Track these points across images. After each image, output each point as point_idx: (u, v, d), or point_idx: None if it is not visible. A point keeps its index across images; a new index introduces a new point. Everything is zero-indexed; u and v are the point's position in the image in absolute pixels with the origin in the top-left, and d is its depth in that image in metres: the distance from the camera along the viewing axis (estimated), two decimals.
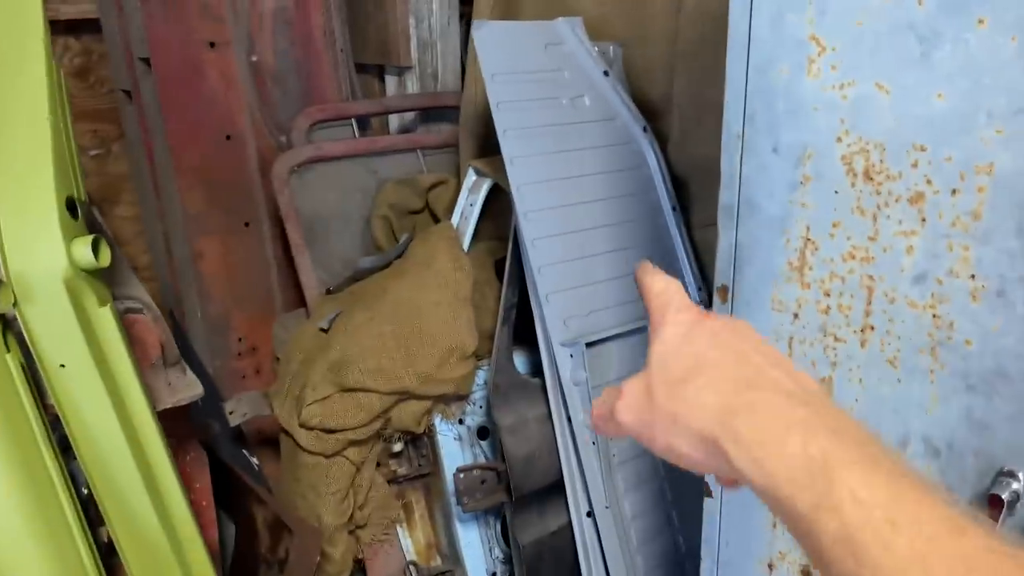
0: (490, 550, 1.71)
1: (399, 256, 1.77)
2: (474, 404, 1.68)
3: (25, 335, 0.80)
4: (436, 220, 1.95)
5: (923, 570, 0.37)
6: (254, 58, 1.95)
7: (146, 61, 1.84)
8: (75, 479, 0.89)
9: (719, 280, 1.04)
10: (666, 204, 1.67)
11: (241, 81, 1.91)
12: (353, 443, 1.57)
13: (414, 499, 1.75)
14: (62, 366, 0.81)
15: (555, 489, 1.56)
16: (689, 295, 0.57)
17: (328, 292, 1.84)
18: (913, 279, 0.85)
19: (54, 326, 0.80)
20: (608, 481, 1.51)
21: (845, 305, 0.91)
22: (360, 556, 1.67)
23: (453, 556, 1.71)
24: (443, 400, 1.64)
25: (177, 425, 1.09)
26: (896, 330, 0.87)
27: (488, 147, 1.84)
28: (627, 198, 1.62)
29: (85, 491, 0.90)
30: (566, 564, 1.58)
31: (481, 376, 1.67)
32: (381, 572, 1.70)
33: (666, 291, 0.57)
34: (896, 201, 0.84)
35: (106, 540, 0.93)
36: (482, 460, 1.67)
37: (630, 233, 1.61)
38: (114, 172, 2.33)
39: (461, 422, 1.67)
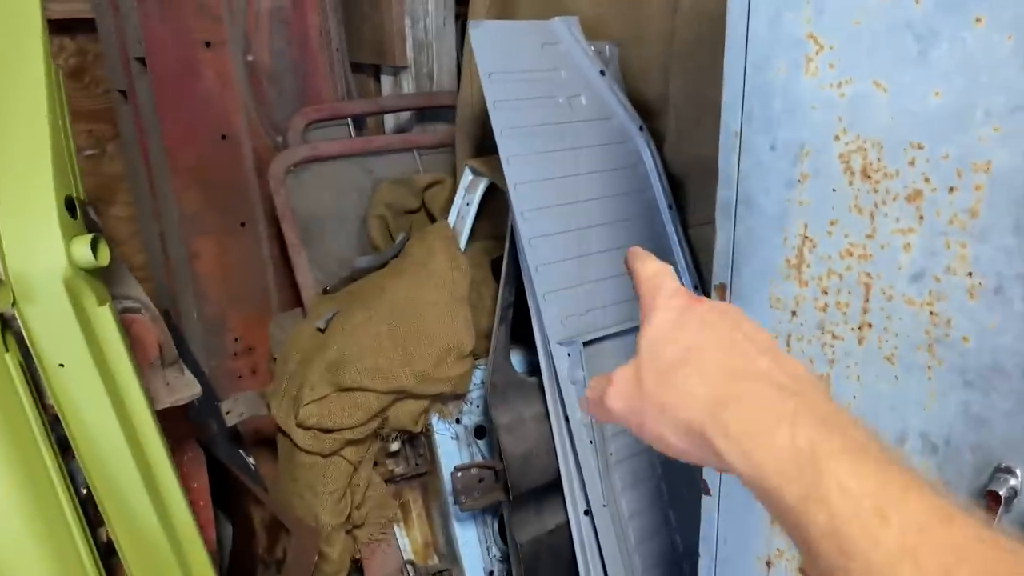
0: (487, 549, 1.72)
1: (396, 256, 1.77)
2: (471, 403, 1.68)
3: (24, 334, 0.80)
4: (432, 220, 1.95)
5: (913, 562, 0.37)
6: (250, 58, 1.95)
7: (142, 61, 1.84)
8: (74, 479, 0.89)
9: (717, 278, 1.04)
10: (662, 203, 1.67)
11: (237, 81, 1.91)
12: (350, 442, 1.57)
13: (411, 498, 1.75)
14: (61, 365, 0.81)
15: (552, 488, 1.57)
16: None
17: (325, 292, 1.84)
18: (911, 276, 0.85)
19: (53, 325, 0.80)
20: (606, 480, 1.51)
21: (843, 302, 0.92)
22: (357, 556, 1.67)
23: (450, 555, 1.71)
24: (440, 399, 1.64)
25: (175, 425, 1.09)
26: (894, 327, 0.88)
27: (484, 147, 1.85)
28: (623, 197, 1.63)
29: (84, 491, 0.90)
30: (564, 563, 1.58)
31: (478, 375, 1.67)
32: (378, 572, 1.70)
33: (657, 275, 0.57)
34: (894, 199, 0.84)
35: (105, 540, 0.93)
36: (479, 459, 1.68)
37: (626, 232, 1.62)
38: (109, 172, 2.33)
39: (458, 421, 1.68)
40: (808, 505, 0.40)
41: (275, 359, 1.83)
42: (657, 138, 1.69)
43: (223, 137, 1.92)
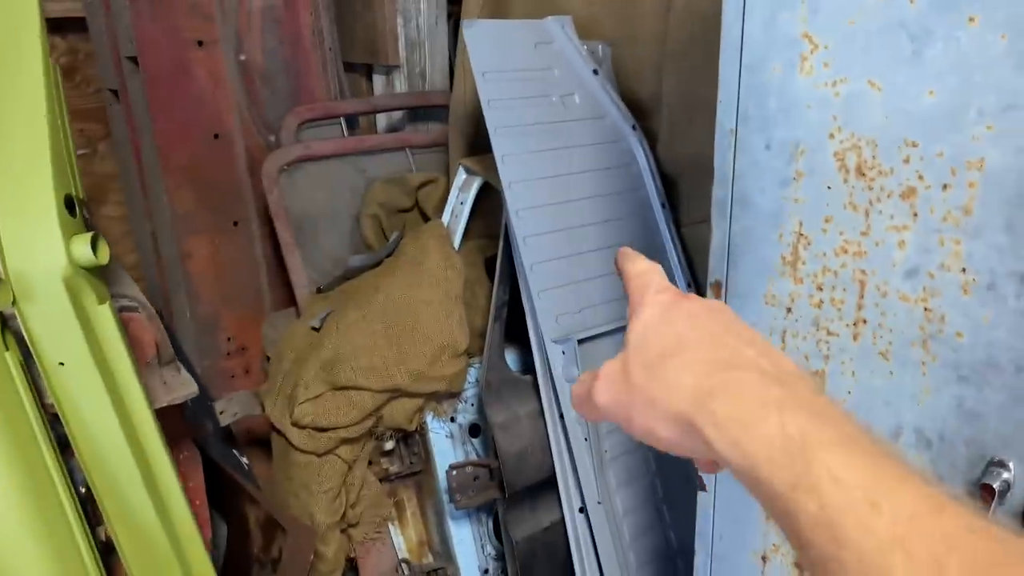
0: (482, 547, 1.72)
1: (389, 255, 1.77)
2: (466, 402, 1.69)
3: (24, 333, 0.80)
4: (426, 219, 1.95)
5: (904, 551, 0.37)
6: (242, 57, 1.95)
7: (133, 60, 1.84)
8: (73, 478, 0.89)
9: (712, 275, 1.05)
10: (655, 201, 1.68)
11: (229, 80, 1.91)
12: (345, 441, 1.57)
13: (406, 497, 1.75)
14: (61, 364, 0.81)
15: (547, 485, 1.57)
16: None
17: (319, 291, 1.84)
18: (905, 273, 0.86)
19: (53, 324, 0.80)
20: (600, 477, 1.52)
21: (838, 299, 0.93)
22: (352, 554, 1.67)
23: (445, 553, 1.72)
24: (435, 398, 1.64)
25: (171, 424, 1.09)
26: (888, 323, 0.89)
27: (478, 146, 1.85)
28: (617, 195, 1.63)
29: (83, 490, 0.90)
30: (559, 560, 1.59)
31: (473, 374, 1.67)
32: (373, 570, 1.70)
33: (645, 273, 0.57)
34: (888, 196, 0.85)
35: (104, 539, 0.93)
36: (474, 457, 1.68)
37: (620, 230, 1.62)
38: (100, 172, 2.32)
39: (453, 420, 1.68)
40: (798, 494, 0.40)
41: (268, 358, 1.83)
42: (650, 137, 1.70)
43: (216, 136, 1.91)
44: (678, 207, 1.71)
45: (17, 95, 0.79)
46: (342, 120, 2.06)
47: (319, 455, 1.57)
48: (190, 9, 1.83)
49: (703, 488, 1.14)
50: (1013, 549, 0.36)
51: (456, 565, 1.69)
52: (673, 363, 0.49)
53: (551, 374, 1.49)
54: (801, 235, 0.94)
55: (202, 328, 1.96)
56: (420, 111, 2.18)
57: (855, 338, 0.92)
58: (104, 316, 0.86)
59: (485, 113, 1.47)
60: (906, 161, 0.83)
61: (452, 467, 1.56)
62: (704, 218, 1.63)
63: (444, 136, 2.02)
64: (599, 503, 1.51)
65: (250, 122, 1.97)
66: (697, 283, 1.70)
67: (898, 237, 0.86)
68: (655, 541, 1.61)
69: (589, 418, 0.57)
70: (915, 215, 0.84)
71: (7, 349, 0.80)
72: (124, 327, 0.95)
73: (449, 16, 2.12)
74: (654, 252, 1.65)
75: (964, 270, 0.81)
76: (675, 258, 1.68)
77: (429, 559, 1.75)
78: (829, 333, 0.95)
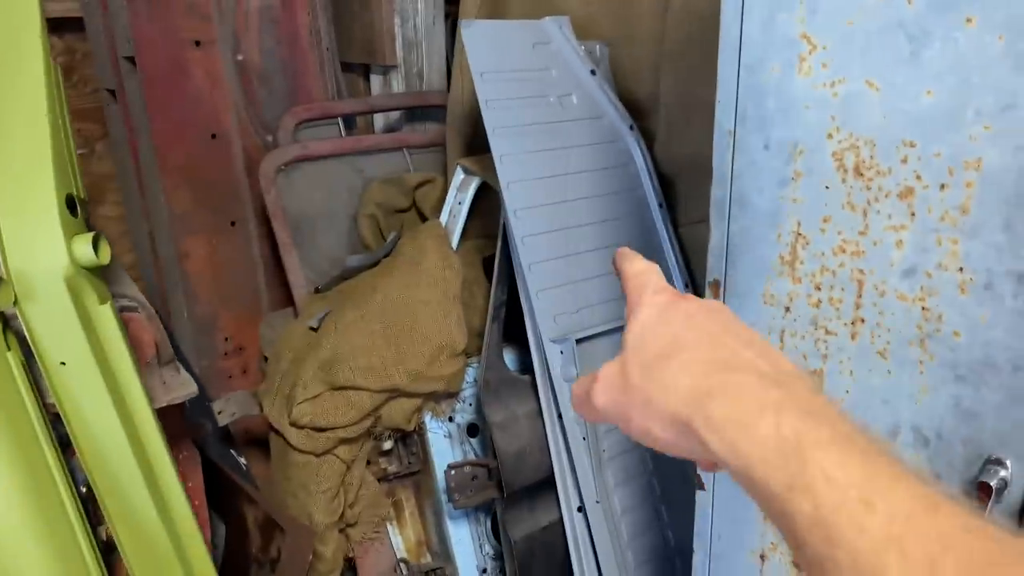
0: (481, 547, 1.72)
1: (387, 255, 1.77)
2: (464, 402, 1.69)
3: (26, 333, 0.80)
4: (423, 219, 1.96)
5: (899, 551, 0.37)
6: (240, 57, 1.95)
7: (131, 60, 1.84)
8: (74, 477, 0.89)
9: (711, 275, 1.05)
10: (653, 201, 1.68)
11: (227, 80, 1.91)
12: (344, 441, 1.58)
13: (404, 497, 1.75)
14: (63, 364, 0.81)
15: (546, 485, 1.58)
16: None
17: (316, 291, 1.84)
18: (903, 272, 0.86)
19: (55, 324, 0.80)
20: (598, 476, 1.52)
21: (836, 298, 0.93)
22: (351, 554, 1.68)
23: (444, 553, 1.72)
24: (433, 398, 1.65)
25: (170, 424, 1.09)
26: (886, 322, 0.89)
27: (475, 146, 1.85)
28: (614, 195, 1.64)
29: (84, 489, 0.90)
30: (557, 559, 1.59)
31: (471, 374, 1.68)
32: (372, 570, 1.70)
33: (643, 273, 0.57)
34: (886, 196, 0.86)
35: (105, 538, 0.93)
36: (472, 457, 1.68)
37: (617, 230, 1.63)
38: (98, 172, 2.32)
39: (451, 419, 1.68)
40: (793, 494, 0.40)
41: (266, 358, 1.83)
42: (647, 137, 1.70)
43: (213, 136, 1.92)
44: (675, 207, 1.71)
45: (18, 95, 0.79)
46: (339, 120, 2.06)
47: (317, 455, 1.57)
48: (187, 9, 1.83)
49: (701, 487, 1.14)
50: (1008, 548, 0.36)
51: (454, 565, 1.70)
52: (670, 364, 0.49)
53: (549, 374, 1.49)
54: (799, 235, 0.95)
55: (200, 328, 1.96)
56: (417, 111, 2.18)
57: (853, 337, 0.93)
58: (105, 316, 0.86)
59: (483, 113, 1.47)
60: (904, 161, 0.83)
61: (450, 467, 1.56)
62: (701, 218, 1.64)
63: (441, 136, 2.02)
64: (597, 502, 1.52)
65: (247, 122, 1.97)
66: (695, 283, 1.70)
67: (896, 237, 0.86)
68: (653, 540, 1.61)
69: (589, 419, 0.57)
70: (913, 215, 0.84)
71: (9, 349, 0.80)
72: (124, 327, 0.95)
73: (446, 16, 2.12)
74: (652, 252, 1.65)
75: (961, 269, 0.81)
76: (673, 258, 1.68)
77: (427, 559, 1.76)
78: (827, 332, 0.95)
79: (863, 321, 0.91)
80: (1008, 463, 0.82)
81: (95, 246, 0.81)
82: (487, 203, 1.73)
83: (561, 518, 1.56)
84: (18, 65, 0.80)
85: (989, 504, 0.81)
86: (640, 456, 1.59)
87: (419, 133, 2.13)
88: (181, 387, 1.10)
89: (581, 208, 1.58)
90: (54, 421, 0.86)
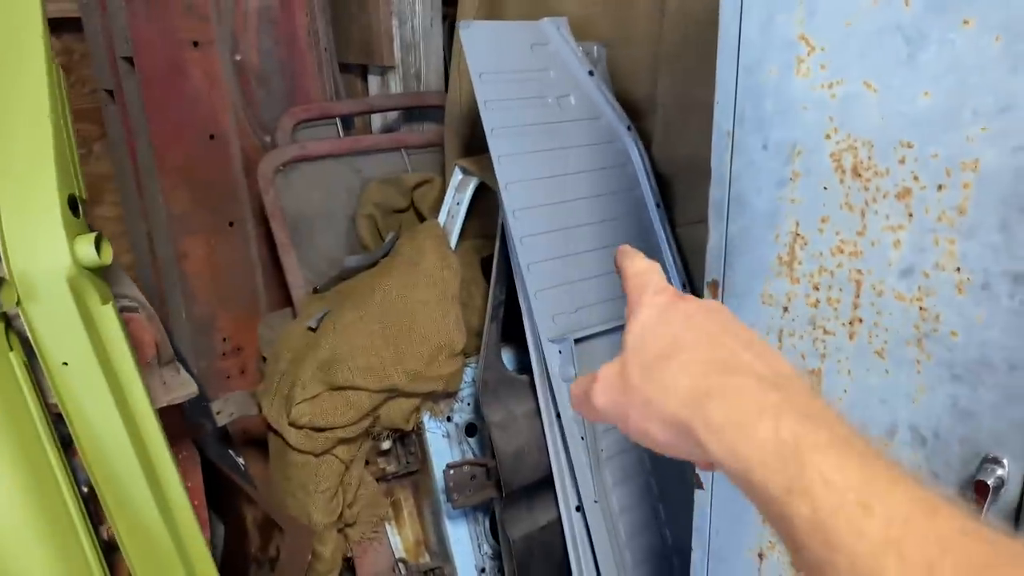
0: (479, 546, 1.73)
1: (385, 255, 1.78)
2: (462, 401, 1.69)
3: (28, 333, 0.80)
4: (421, 219, 1.96)
5: (897, 554, 0.37)
6: (238, 57, 1.95)
7: (129, 60, 1.84)
8: (75, 477, 0.89)
9: (709, 275, 1.06)
10: (650, 202, 1.69)
11: (225, 80, 1.91)
12: (342, 441, 1.58)
13: (402, 497, 1.76)
14: (65, 364, 0.82)
15: (544, 484, 1.58)
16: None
17: (315, 291, 1.84)
18: (900, 273, 0.87)
19: (57, 324, 0.80)
20: (597, 476, 1.52)
21: (834, 298, 0.94)
22: (349, 554, 1.68)
23: (442, 553, 1.72)
24: (432, 398, 1.65)
25: (170, 424, 1.09)
26: (884, 322, 0.90)
27: (473, 146, 1.86)
28: (612, 196, 1.64)
29: (85, 489, 0.90)
30: (555, 559, 1.60)
31: (469, 373, 1.68)
32: (370, 570, 1.70)
33: (644, 272, 0.57)
34: (884, 197, 0.86)
35: (106, 538, 0.93)
36: (470, 457, 1.69)
37: (615, 230, 1.63)
38: (96, 172, 2.32)
39: (449, 419, 1.69)
40: (792, 497, 0.40)
41: (264, 359, 1.83)
42: (645, 138, 1.71)
43: (211, 137, 1.92)
44: (673, 207, 1.72)
45: (20, 95, 0.80)
46: (338, 121, 2.06)
47: (316, 455, 1.57)
48: (186, 9, 1.83)
49: (700, 486, 1.15)
50: (1006, 551, 0.36)
51: (453, 564, 1.70)
52: (670, 364, 0.49)
53: (548, 373, 1.50)
54: (798, 235, 0.95)
55: (198, 328, 1.97)
56: (415, 112, 2.18)
57: (851, 337, 0.93)
58: (107, 316, 0.86)
59: (482, 114, 1.48)
60: (902, 162, 0.84)
61: (449, 466, 1.57)
62: (699, 218, 1.64)
63: (439, 137, 2.02)
64: (595, 502, 1.52)
65: (245, 122, 1.97)
66: (692, 283, 1.71)
67: (893, 237, 0.87)
68: (651, 539, 1.62)
69: (588, 419, 0.57)
70: (910, 215, 0.85)
71: (11, 349, 0.81)
72: (125, 327, 0.95)
73: (444, 18, 2.13)
74: (649, 252, 1.63)
75: (959, 269, 0.82)
76: (670, 258, 1.69)
77: (426, 558, 1.76)
78: (825, 332, 0.96)
79: (861, 321, 0.92)
80: (1005, 462, 0.83)
81: (97, 246, 0.81)
82: (485, 203, 1.73)
83: (559, 517, 1.56)
84: (20, 65, 0.80)
85: (986, 502, 0.82)
86: (638, 456, 1.60)
87: (417, 134, 2.13)
88: (181, 387, 1.10)
89: (579, 208, 1.58)
90: (56, 421, 0.86)
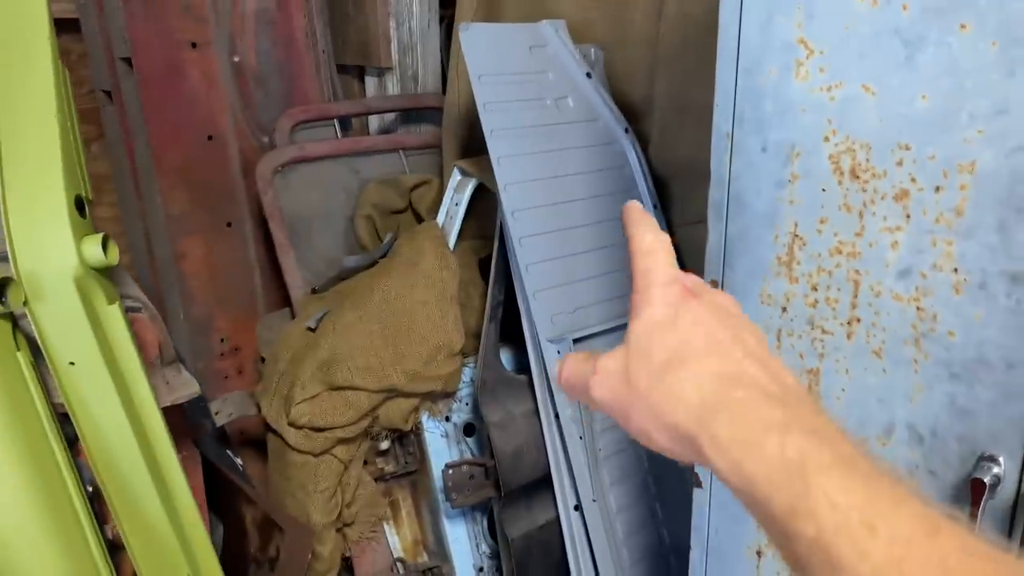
0: (477, 545, 1.73)
1: (384, 255, 1.78)
2: (460, 401, 1.70)
3: (35, 333, 0.81)
4: (419, 220, 1.96)
5: (899, 574, 0.37)
6: (236, 59, 1.95)
7: (127, 61, 1.84)
8: (80, 476, 0.90)
9: (709, 275, 1.07)
10: (647, 203, 1.70)
11: (223, 81, 1.92)
12: (341, 441, 1.58)
13: (401, 496, 1.76)
14: (71, 364, 0.82)
15: (543, 484, 1.59)
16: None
17: (313, 291, 1.85)
18: (898, 273, 0.88)
19: (64, 324, 0.81)
20: (595, 475, 1.53)
21: (832, 298, 0.95)
22: (348, 554, 1.68)
23: (440, 552, 1.73)
24: (430, 398, 1.66)
25: (170, 424, 1.09)
26: (881, 322, 0.91)
27: (471, 148, 1.87)
28: (610, 197, 1.65)
29: (90, 488, 0.90)
30: (554, 558, 1.61)
31: (467, 374, 1.69)
32: (369, 569, 1.71)
33: (652, 253, 0.54)
34: (882, 198, 0.87)
35: (110, 537, 0.94)
36: (469, 457, 1.69)
37: (613, 231, 1.64)
38: (93, 172, 2.31)
39: (448, 419, 1.69)
40: (796, 516, 0.40)
41: (263, 359, 1.84)
42: (642, 140, 1.72)
43: (209, 138, 1.92)
44: (670, 208, 1.73)
45: (27, 95, 0.80)
46: (335, 122, 2.07)
47: (315, 455, 1.58)
48: (183, 11, 1.83)
49: (699, 484, 1.16)
50: (1008, 570, 0.37)
51: (451, 564, 1.71)
52: (677, 374, 0.48)
53: (546, 373, 1.51)
54: (796, 236, 0.96)
55: (196, 329, 1.97)
56: (412, 113, 2.19)
57: (849, 337, 0.94)
58: (114, 316, 0.87)
59: (481, 116, 1.49)
60: (899, 164, 0.85)
61: (448, 466, 1.58)
62: (696, 219, 1.65)
63: (437, 138, 2.03)
64: (594, 501, 1.53)
65: (243, 123, 1.97)
66: None
67: (891, 238, 0.88)
68: (648, 538, 1.63)
69: (578, 400, 0.56)
70: (908, 216, 0.86)
71: (18, 349, 0.81)
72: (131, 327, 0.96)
73: (441, 19, 2.13)
74: None
75: (956, 270, 0.83)
76: None
77: (424, 558, 1.77)
78: (824, 332, 0.97)
79: (859, 321, 0.93)
80: (1001, 460, 0.84)
81: (104, 247, 0.81)
82: (483, 204, 1.74)
83: (558, 517, 1.57)
84: (27, 66, 0.81)
85: (983, 500, 0.83)
86: (635, 455, 1.61)
87: (415, 135, 2.14)
88: (183, 387, 1.11)
89: (577, 209, 1.59)
90: (62, 420, 0.86)
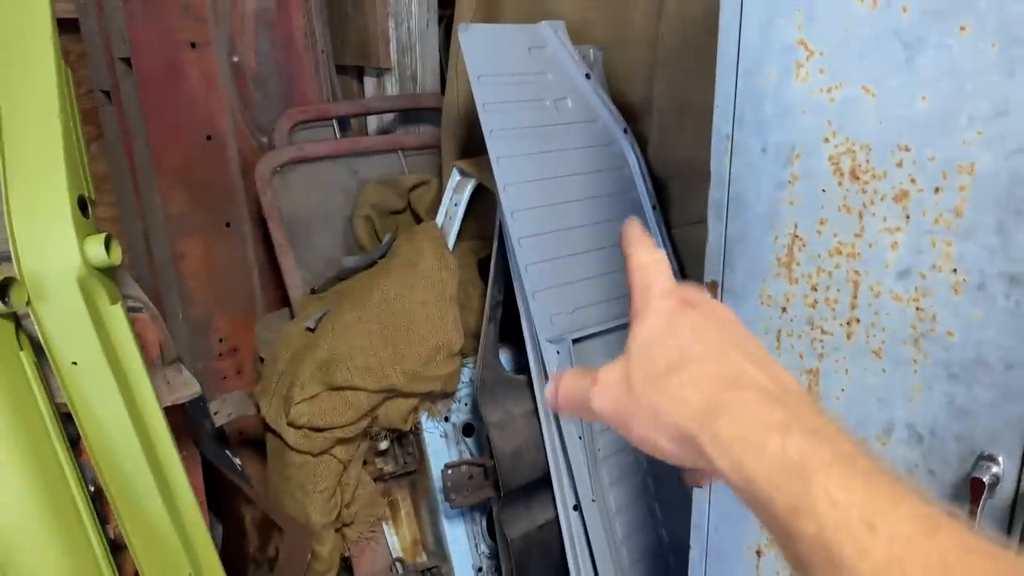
0: (476, 546, 1.74)
1: (383, 256, 1.78)
2: (460, 401, 1.70)
3: (38, 333, 0.81)
4: (418, 220, 1.97)
5: (900, 572, 0.37)
6: (235, 59, 1.95)
7: (126, 61, 1.84)
8: (83, 475, 0.90)
9: (709, 275, 1.07)
10: (646, 203, 1.70)
11: (222, 82, 1.92)
12: (341, 441, 1.59)
13: (400, 497, 1.76)
14: (74, 364, 0.82)
15: (542, 484, 1.59)
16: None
17: (313, 292, 1.85)
18: (897, 274, 0.88)
19: (67, 324, 0.81)
20: (594, 475, 1.54)
21: (832, 299, 0.95)
22: (347, 554, 1.68)
23: (439, 552, 1.73)
24: (429, 398, 1.66)
25: (171, 424, 1.09)
26: (881, 322, 0.91)
27: (470, 148, 1.87)
28: (608, 198, 1.66)
29: (92, 488, 0.91)
30: (553, 558, 1.61)
31: (467, 374, 1.69)
32: (368, 570, 1.71)
33: (649, 267, 0.55)
34: (881, 199, 0.88)
35: (112, 537, 0.94)
36: (467, 457, 1.70)
37: (612, 231, 1.65)
38: (92, 172, 2.31)
39: (447, 419, 1.69)
40: (797, 515, 0.41)
41: (261, 359, 1.84)
42: (641, 141, 1.72)
43: (208, 138, 1.92)
44: (668, 209, 1.73)
45: (30, 96, 0.80)
46: (334, 122, 2.07)
47: (315, 455, 1.58)
48: (183, 11, 1.83)
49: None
50: (1008, 568, 0.37)
51: (450, 564, 1.71)
52: (679, 377, 0.49)
53: (545, 374, 1.51)
54: (796, 237, 0.97)
55: (194, 329, 1.97)
56: (411, 113, 2.19)
57: (849, 337, 0.95)
58: (116, 316, 0.87)
59: (480, 116, 1.49)
60: (899, 165, 0.85)
61: (447, 466, 1.58)
62: (694, 220, 1.66)
63: (436, 138, 2.03)
64: (593, 501, 1.53)
65: (243, 124, 1.98)
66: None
67: (891, 239, 0.88)
68: (647, 538, 1.63)
69: (573, 415, 0.56)
70: (908, 217, 0.86)
71: (21, 349, 0.81)
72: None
73: (440, 20, 2.14)
74: None
75: (955, 271, 0.84)
76: None
77: (423, 558, 1.77)
78: (823, 332, 0.97)
79: (858, 321, 0.93)
80: (1000, 459, 0.84)
81: (106, 247, 0.82)
82: (482, 205, 1.74)
83: (557, 517, 1.57)
84: (30, 66, 0.81)
85: (981, 499, 0.83)
86: (634, 456, 1.61)
87: (413, 135, 2.14)
88: (184, 387, 1.11)
89: (576, 210, 1.59)
90: (64, 420, 0.87)
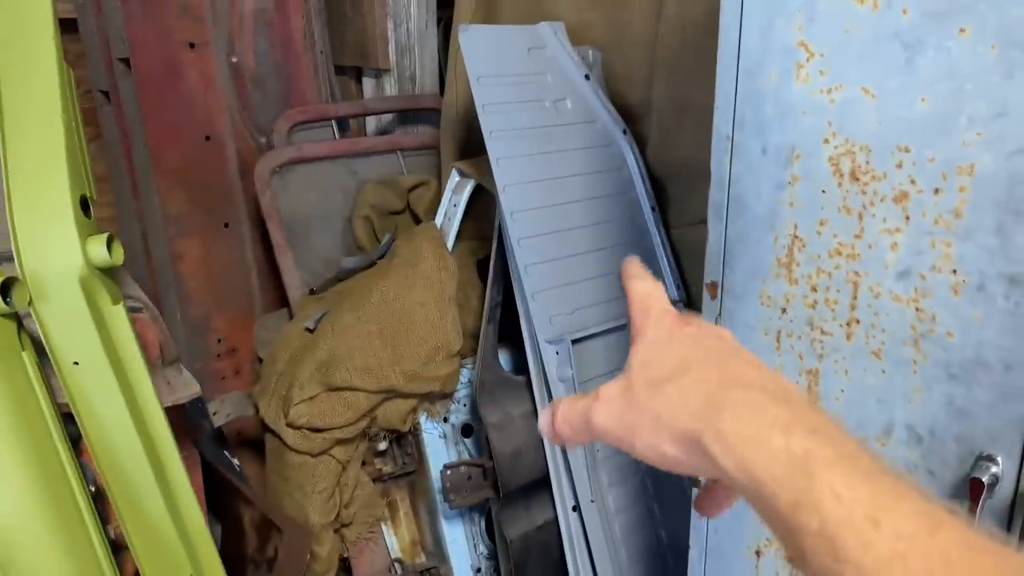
0: (475, 546, 1.74)
1: (382, 256, 1.78)
2: (458, 402, 1.71)
3: (40, 333, 0.81)
4: (417, 221, 1.97)
5: (903, 568, 0.37)
6: (234, 59, 1.96)
7: (125, 61, 1.84)
8: (84, 475, 0.90)
9: (709, 276, 1.07)
10: (645, 204, 1.71)
11: (221, 82, 1.92)
12: (339, 442, 1.59)
13: (399, 497, 1.77)
14: (76, 364, 0.82)
15: (541, 484, 1.59)
16: (668, 292, 0.58)
17: (311, 292, 1.85)
18: (897, 274, 0.89)
19: (69, 324, 0.81)
20: (593, 476, 1.54)
21: (831, 300, 0.96)
22: (345, 554, 1.69)
23: (438, 553, 1.73)
24: (428, 398, 1.66)
25: (172, 424, 1.09)
26: (881, 323, 0.92)
27: (469, 149, 1.87)
28: (608, 198, 1.66)
29: (93, 488, 0.91)
30: (552, 558, 1.61)
31: (465, 374, 1.69)
32: (367, 570, 1.71)
33: (647, 295, 0.57)
34: (881, 200, 0.88)
35: (113, 537, 0.94)
36: (466, 457, 1.70)
37: (611, 232, 1.65)
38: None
39: (446, 420, 1.70)
40: (800, 510, 0.41)
41: (260, 360, 1.84)
42: (640, 141, 1.72)
43: (207, 138, 1.92)
44: (667, 210, 1.74)
45: (32, 95, 0.80)
46: (333, 123, 2.07)
47: (313, 456, 1.58)
48: (182, 11, 1.84)
49: (697, 484, 1.16)
50: (1009, 564, 0.37)
51: (449, 564, 1.71)
52: (680, 380, 0.49)
53: (545, 374, 1.51)
54: (796, 237, 0.97)
55: (193, 329, 1.97)
56: (410, 114, 2.19)
57: (848, 337, 0.95)
58: (118, 316, 0.87)
59: (480, 117, 1.49)
60: (899, 166, 0.86)
61: (447, 467, 1.58)
62: (693, 220, 1.66)
63: (434, 139, 2.03)
64: (592, 501, 1.53)
65: (241, 124, 1.98)
66: (686, 283, 1.73)
67: (891, 240, 0.88)
68: (646, 538, 1.63)
69: (576, 442, 0.57)
70: (907, 218, 0.87)
71: (23, 349, 0.81)
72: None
73: (439, 21, 2.14)
74: (644, 254, 1.68)
75: (955, 271, 0.84)
76: (664, 260, 1.70)
77: (422, 559, 1.77)
78: (823, 333, 0.97)
79: (858, 322, 0.94)
80: (999, 459, 0.84)
81: (108, 247, 0.82)
82: (481, 205, 1.74)
83: (556, 517, 1.57)
84: (32, 66, 0.81)
85: (981, 499, 0.84)
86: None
87: (412, 136, 2.14)
88: (184, 387, 1.11)
89: (575, 211, 1.60)
90: (66, 420, 0.87)
